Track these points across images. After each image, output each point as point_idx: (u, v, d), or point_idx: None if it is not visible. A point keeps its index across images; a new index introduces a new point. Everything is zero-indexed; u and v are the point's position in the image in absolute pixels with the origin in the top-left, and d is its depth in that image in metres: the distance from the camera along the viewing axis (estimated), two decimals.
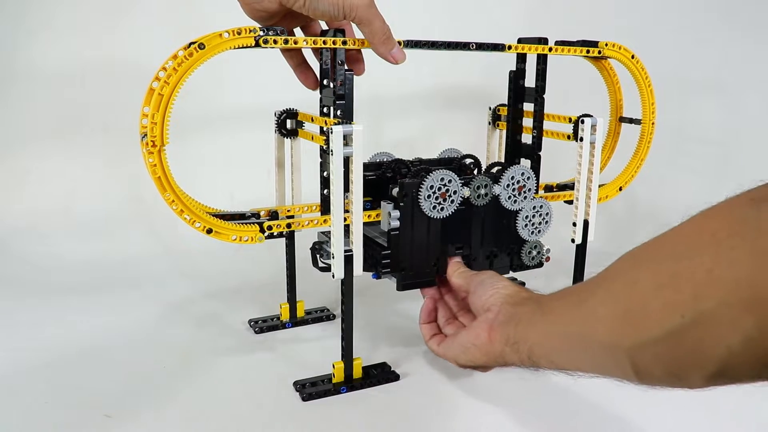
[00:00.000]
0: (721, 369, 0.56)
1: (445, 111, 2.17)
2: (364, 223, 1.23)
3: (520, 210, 1.29)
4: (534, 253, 1.34)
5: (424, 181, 1.17)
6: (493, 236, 1.29)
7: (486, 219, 1.28)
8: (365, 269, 1.20)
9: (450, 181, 1.19)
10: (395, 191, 1.20)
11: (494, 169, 1.36)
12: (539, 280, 1.75)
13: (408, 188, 1.17)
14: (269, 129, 1.36)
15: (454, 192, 1.20)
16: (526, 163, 1.45)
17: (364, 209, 1.16)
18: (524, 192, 1.28)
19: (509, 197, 1.27)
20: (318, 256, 1.24)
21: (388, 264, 1.20)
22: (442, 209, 1.20)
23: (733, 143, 1.85)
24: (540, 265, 1.37)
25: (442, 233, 1.23)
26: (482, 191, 1.24)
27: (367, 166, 1.32)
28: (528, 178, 1.28)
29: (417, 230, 1.20)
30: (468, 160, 1.40)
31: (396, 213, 1.18)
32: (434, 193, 1.18)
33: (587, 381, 1.22)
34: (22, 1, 1.93)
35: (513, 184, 1.27)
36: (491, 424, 1.09)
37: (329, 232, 1.24)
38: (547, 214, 1.32)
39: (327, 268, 1.20)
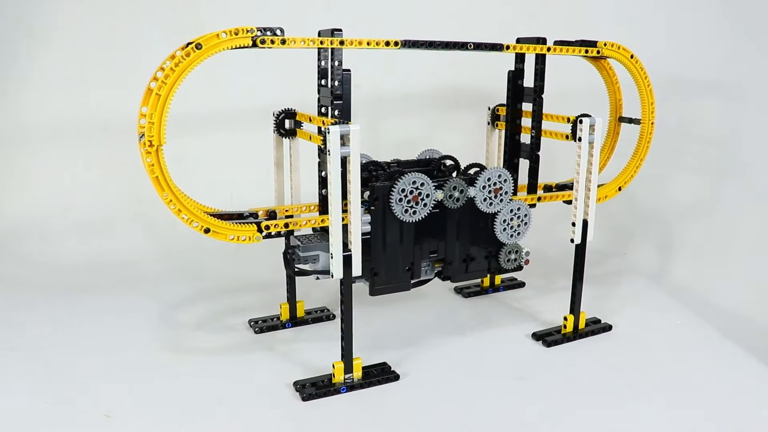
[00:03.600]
0: None
1: (445, 111, 2.17)
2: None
3: (497, 213, 1.28)
4: (513, 256, 1.32)
5: (396, 184, 1.16)
6: (469, 239, 1.28)
7: (462, 222, 1.26)
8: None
9: (422, 184, 1.18)
10: (366, 195, 1.18)
11: (471, 171, 1.34)
12: (539, 280, 1.75)
13: (379, 192, 1.16)
14: (268, 129, 1.36)
15: (427, 195, 1.19)
16: (525, 163, 1.45)
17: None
18: (501, 194, 1.27)
19: (485, 200, 1.26)
20: (292, 260, 1.22)
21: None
22: (414, 213, 1.18)
23: (734, 143, 1.85)
24: (519, 268, 1.35)
25: (416, 237, 1.22)
26: (456, 194, 1.23)
27: None
28: (504, 180, 1.26)
29: (389, 234, 1.19)
30: (448, 162, 1.38)
31: (367, 217, 1.17)
32: (406, 196, 1.17)
33: (593, 385, 1.23)
34: (22, 1, 1.94)
35: (489, 186, 1.25)
36: (491, 423, 1.09)
37: (305, 235, 1.24)
38: (525, 216, 1.31)
39: (299, 273, 1.19)
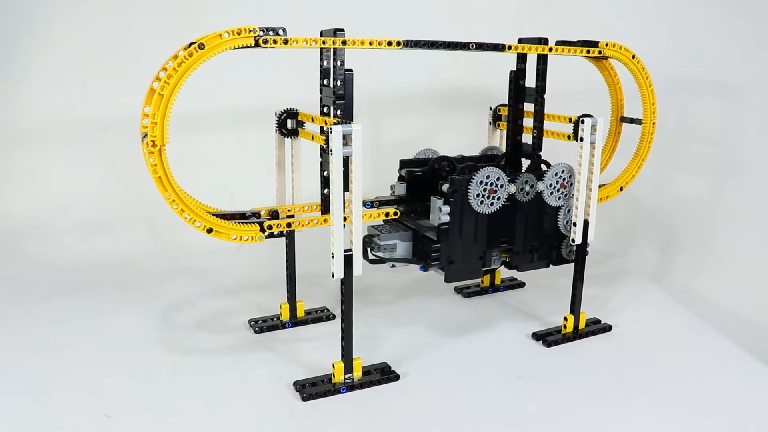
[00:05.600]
0: None
1: (446, 111, 2.17)
2: (413, 218, 1.29)
3: (561, 206, 1.35)
4: (573, 247, 1.39)
5: (474, 177, 1.22)
6: (535, 231, 1.34)
7: (529, 214, 1.33)
8: (414, 262, 1.27)
9: (498, 178, 1.25)
10: (445, 187, 1.25)
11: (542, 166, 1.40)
12: (540, 280, 1.75)
13: (458, 184, 1.23)
14: (270, 129, 1.36)
15: (501, 188, 1.26)
16: (527, 163, 1.46)
17: (365, 208, 1.16)
18: (565, 189, 1.34)
19: (552, 194, 1.33)
20: (369, 249, 1.28)
21: (438, 257, 1.24)
22: (490, 204, 1.25)
23: (734, 143, 1.85)
24: None
25: (488, 228, 1.28)
26: (527, 188, 1.29)
27: (414, 162, 1.38)
28: (570, 175, 1.34)
29: (465, 225, 1.25)
30: None
31: (446, 208, 1.23)
32: (484, 189, 1.24)
33: (593, 385, 1.23)
34: (22, 1, 1.93)
35: (556, 181, 1.32)
36: (491, 423, 1.09)
37: (380, 225, 1.31)
38: None
39: (377, 261, 1.26)
